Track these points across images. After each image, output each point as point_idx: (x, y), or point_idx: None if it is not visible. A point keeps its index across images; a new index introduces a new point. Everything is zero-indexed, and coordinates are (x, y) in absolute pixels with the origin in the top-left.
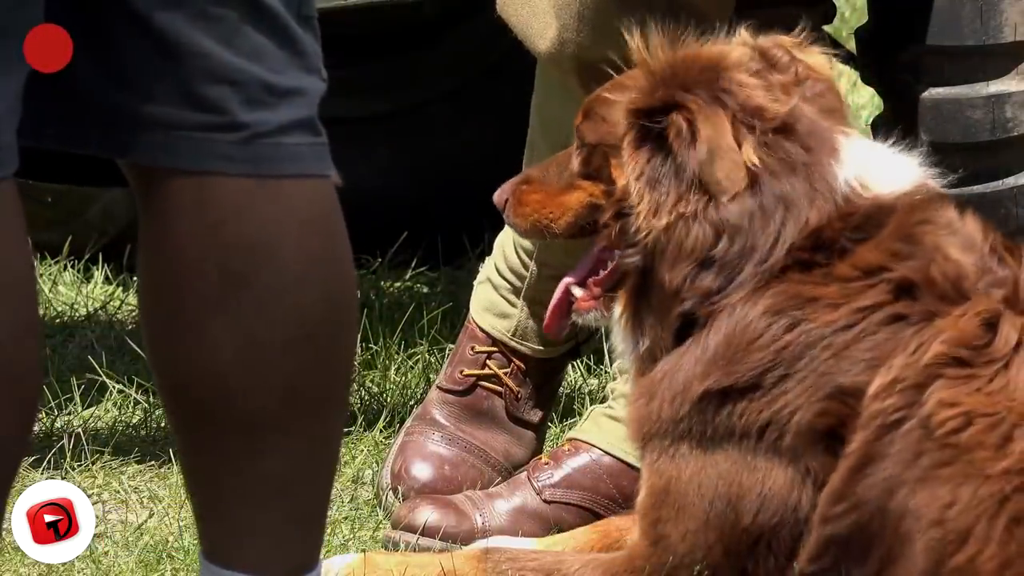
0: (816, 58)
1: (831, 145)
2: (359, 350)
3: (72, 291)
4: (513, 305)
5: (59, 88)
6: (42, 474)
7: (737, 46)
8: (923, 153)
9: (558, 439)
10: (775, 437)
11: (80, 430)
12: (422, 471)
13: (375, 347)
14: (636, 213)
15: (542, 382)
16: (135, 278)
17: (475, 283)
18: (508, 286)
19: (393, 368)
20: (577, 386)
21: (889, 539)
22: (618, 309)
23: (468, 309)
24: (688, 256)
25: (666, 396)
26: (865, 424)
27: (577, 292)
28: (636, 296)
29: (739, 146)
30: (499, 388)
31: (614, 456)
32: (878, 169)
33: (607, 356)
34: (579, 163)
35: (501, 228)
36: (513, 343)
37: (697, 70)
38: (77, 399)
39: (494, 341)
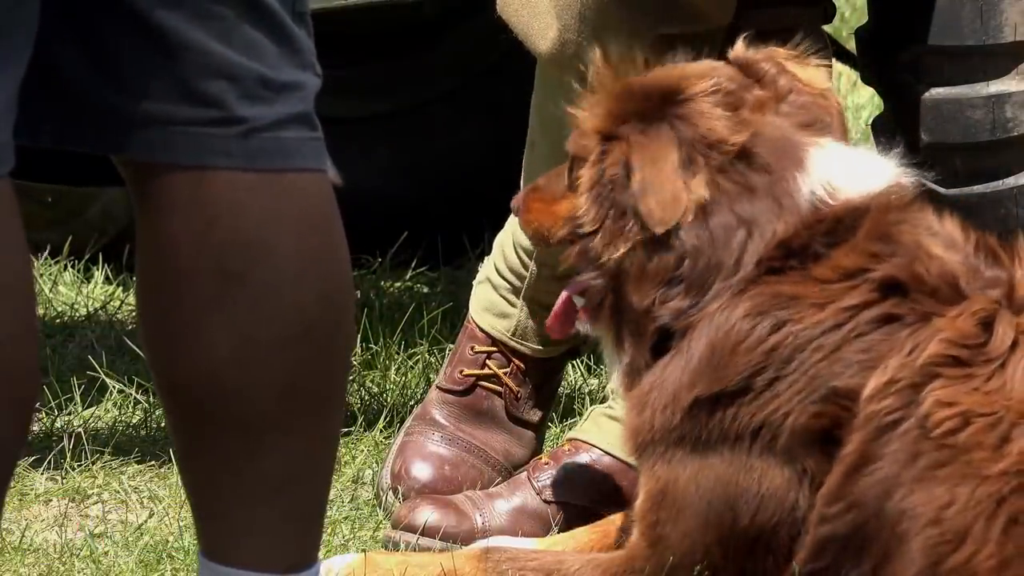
0: (809, 71)
1: (797, 159)
2: (359, 350)
3: (72, 291)
4: (513, 305)
5: (55, 87)
6: (42, 474)
7: (708, 68)
8: (901, 154)
9: (558, 439)
10: (769, 439)
11: (80, 430)
12: (422, 471)
13: (375, 347)
14: (590, 233)
15: (542, 382)
16: (135, 277)
17: (474, 283)
18: (508, 286)
19: (393, 368)
20: (577, 386)
21: (886, 539)
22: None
23: (468, 309)
24: (652, 279)
25: (657, 407)
26: (861, 425)
27: (579, 302)
28: (613, 313)
29: (693, 176)
30: (499, 388)
31: (614, 456)
32: (848, 174)
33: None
34: (566, 173)
35: (501, 228)
36: (513, 343)
37: (656, 97)
38: (77, 399)
39: (494, 341)
